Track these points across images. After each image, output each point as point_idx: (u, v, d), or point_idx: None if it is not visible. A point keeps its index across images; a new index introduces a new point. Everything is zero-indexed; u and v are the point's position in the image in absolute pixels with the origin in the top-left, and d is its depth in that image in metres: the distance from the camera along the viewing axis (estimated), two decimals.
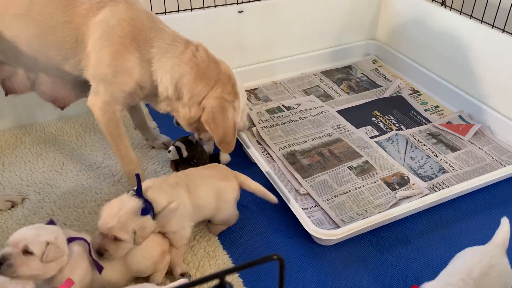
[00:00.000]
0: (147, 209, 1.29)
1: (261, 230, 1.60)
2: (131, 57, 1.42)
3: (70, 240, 1.23)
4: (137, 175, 1.33)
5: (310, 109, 2.17)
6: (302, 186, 1.73)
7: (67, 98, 1.62)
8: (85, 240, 1.25)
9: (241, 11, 2.25)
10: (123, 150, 1.56)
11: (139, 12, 1.44)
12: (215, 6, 2.20)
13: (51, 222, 1.26)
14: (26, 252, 1.14)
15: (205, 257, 1.49)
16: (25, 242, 1.14)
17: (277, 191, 1.66)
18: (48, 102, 1.64)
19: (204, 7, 2.16)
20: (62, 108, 1.65)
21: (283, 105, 2.19)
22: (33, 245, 1.14)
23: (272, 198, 1.54)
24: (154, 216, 1.31)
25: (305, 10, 2.43)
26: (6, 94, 1.61)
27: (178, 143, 1.71)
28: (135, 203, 1.28)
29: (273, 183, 1.67)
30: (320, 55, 2.56)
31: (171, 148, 1.71)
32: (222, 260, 1.47)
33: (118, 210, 1.25)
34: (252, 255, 1.51)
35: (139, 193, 1.31)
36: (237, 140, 1.89)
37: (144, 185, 1.34)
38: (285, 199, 1.61)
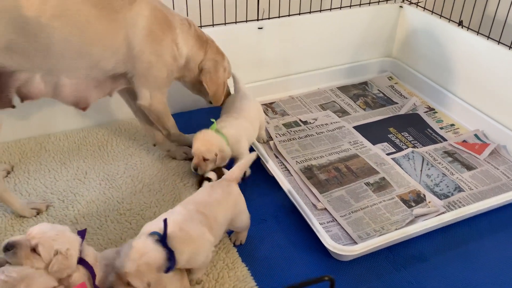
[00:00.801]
0: (171, 267, 1.22)
1: (279, 244, 1.63)
2: (167, 40, 1.67)
3: (80, 261, 1.22)
4: (165, 221, 1.26)
5: (326, 124, 2.20)
6: (319, 201, 1.76)
7: (89, 98, 1.66)
8: (91, 267, 1.23)
9: (261, 28, 2.30)
10: (172, 120, 1.88)
11: (157, 2, 1.68)
12: (236, 22, 2.26)
13: (81, 233, 1.28)
14: (35, 250, 1.16)
15: (224, 268, 1.51)
16: (37, 242, 1.16)
17: (295, 205, 1.69)
18: (70, 106, 1.66)
19: (225, 23, 2.22)
20: (84, 110, 1.69)
21: (300, 120, 2.23)
22: (43, 247, 1.16)
23: (251, 156, 1.60)
24: (173, 267, 1.24)
25: (323, 27, 2.48)
26: (22, 101, 1.59)
27: (211, 174, 1.76)
28: (159, 256, 1.20)
29: (291, 198, 1.70)
30: (336, 71, 2.60)
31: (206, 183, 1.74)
32: (241, 272, 1.50)
33: (140, 256, 1.17)
34: (271, 268, 1.54)
35: (163, 240, 1.23)
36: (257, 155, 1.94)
37: (169, 230, 1.25)
38: (303, 214, 1.64)
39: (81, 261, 1.22)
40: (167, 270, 1.22)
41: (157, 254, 1.20)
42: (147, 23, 1.59)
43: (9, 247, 1.15)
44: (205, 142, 1.71)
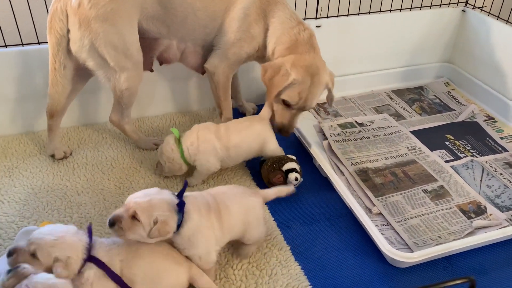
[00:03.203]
0: (181, 207, 1.27)
1: (333, 245, 1.60)
2: (258, 26, 1.78)
3: (90, 258, 1.21)
4: (186, 182, 1.35)
5: (383, 127, 2.15)
6: (374, 205, 1.72)
7: (202, 66, 1.90)
8: (101, 263, 1.23)
9: (319, 26, 2.28)
10: (228, 101, 1.94)
11: None
12: None
13: (89, 230, 1.26)
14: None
15: (278, 265, 1.50)
16: (35, 248, 1.16)
17: (348, 207, 1.66)
18: (191, 69, 1.95)
19: None
20: (202, 74, 1.94)
21: (356, 121, 2.19)
22: (41, 254, 1.16)
23: (291, 189, 1.55)
24: (178, 228, 1.27)
25: (381, 28, 2.43)
26: (161, 64, 1.92)
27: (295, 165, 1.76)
28: (173, 198, 1.26)
29: (347, 201, 1.67)
30: (391, 74, 2.54)
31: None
32: (294, 270, 1.49)
33: (155, 193, 1.25)
34: (324, 269, 1.51)
35: (180, 196, 1.29)
36: (308, 152, 1.92)
37: (185, 194, 1.32)
38: (359, 217, 1.61)
39: (91, 259, 1.22)
40: (179, 208, 1.25)
41: (172, 197, 1.26)
42: (248, 5, 1.74)
43: (10, 253, 1.17)
44: (161, 147, 1.73)
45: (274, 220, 1.68)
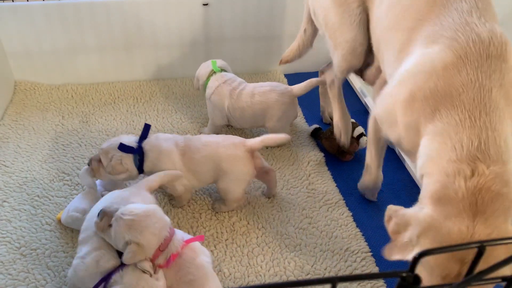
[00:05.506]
0: (138, 150, 1.45)
1: None
2: (409, 119, 1.13)
3: None
4: (146, 126, 1.49)
5: None
6: None
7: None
8: None
9: None
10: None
11: None
12: None
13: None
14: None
15: (338, 229, 1.52)
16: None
17: (414, 181, 1.62)
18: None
19: None
20: (372, 85, 1.70)
21: None
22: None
23: (284, 137, 1.51)
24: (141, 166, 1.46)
25: None
26: (364, 79, 1.71)
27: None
28: (126, 140, 1.46)
29: (415, 173, 1.63)
30: None
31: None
32: (355, 236, 1.49)
33: (115, 140, 1.46)
34: (385, 239, 1.48)
35: (140, 139, 1.47)
36: None
37: (156, 136, 1.49)
38: None
39: None
40: (123, 148, 1.44)
41: (125, 139, 1.46)
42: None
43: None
44: (202, 64, 1.86)
45: (336, 186, 1.68)
